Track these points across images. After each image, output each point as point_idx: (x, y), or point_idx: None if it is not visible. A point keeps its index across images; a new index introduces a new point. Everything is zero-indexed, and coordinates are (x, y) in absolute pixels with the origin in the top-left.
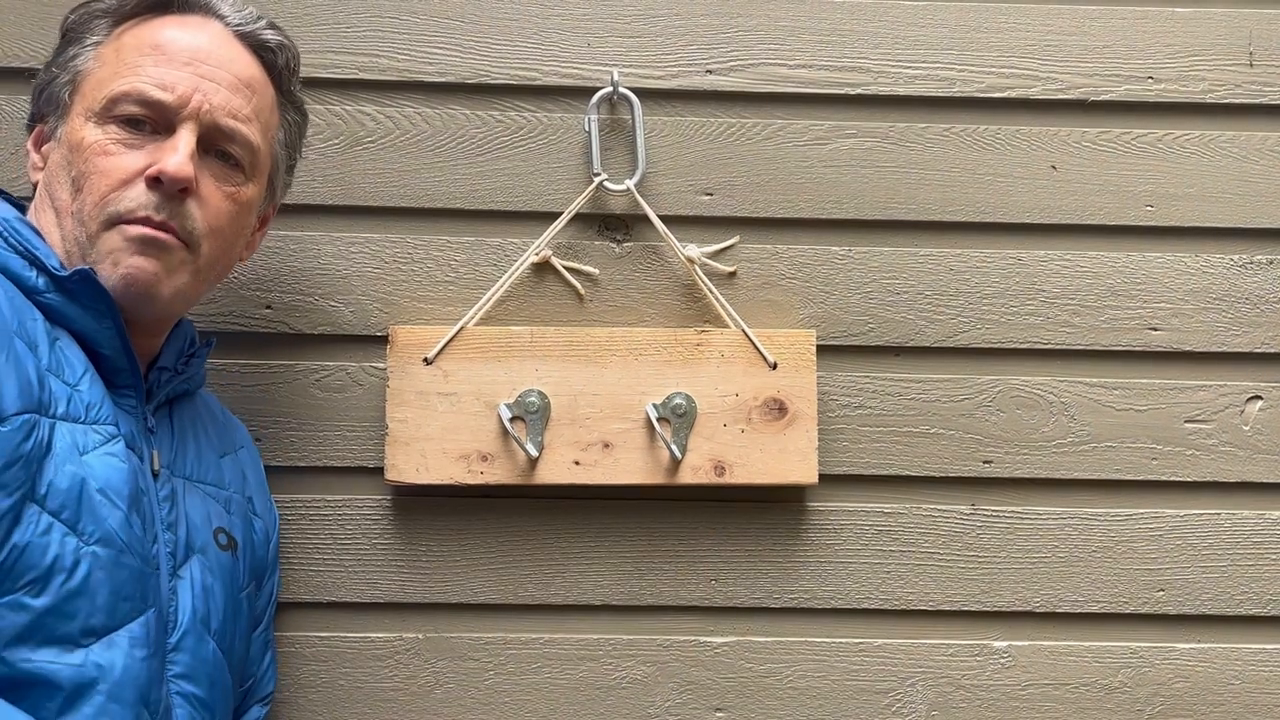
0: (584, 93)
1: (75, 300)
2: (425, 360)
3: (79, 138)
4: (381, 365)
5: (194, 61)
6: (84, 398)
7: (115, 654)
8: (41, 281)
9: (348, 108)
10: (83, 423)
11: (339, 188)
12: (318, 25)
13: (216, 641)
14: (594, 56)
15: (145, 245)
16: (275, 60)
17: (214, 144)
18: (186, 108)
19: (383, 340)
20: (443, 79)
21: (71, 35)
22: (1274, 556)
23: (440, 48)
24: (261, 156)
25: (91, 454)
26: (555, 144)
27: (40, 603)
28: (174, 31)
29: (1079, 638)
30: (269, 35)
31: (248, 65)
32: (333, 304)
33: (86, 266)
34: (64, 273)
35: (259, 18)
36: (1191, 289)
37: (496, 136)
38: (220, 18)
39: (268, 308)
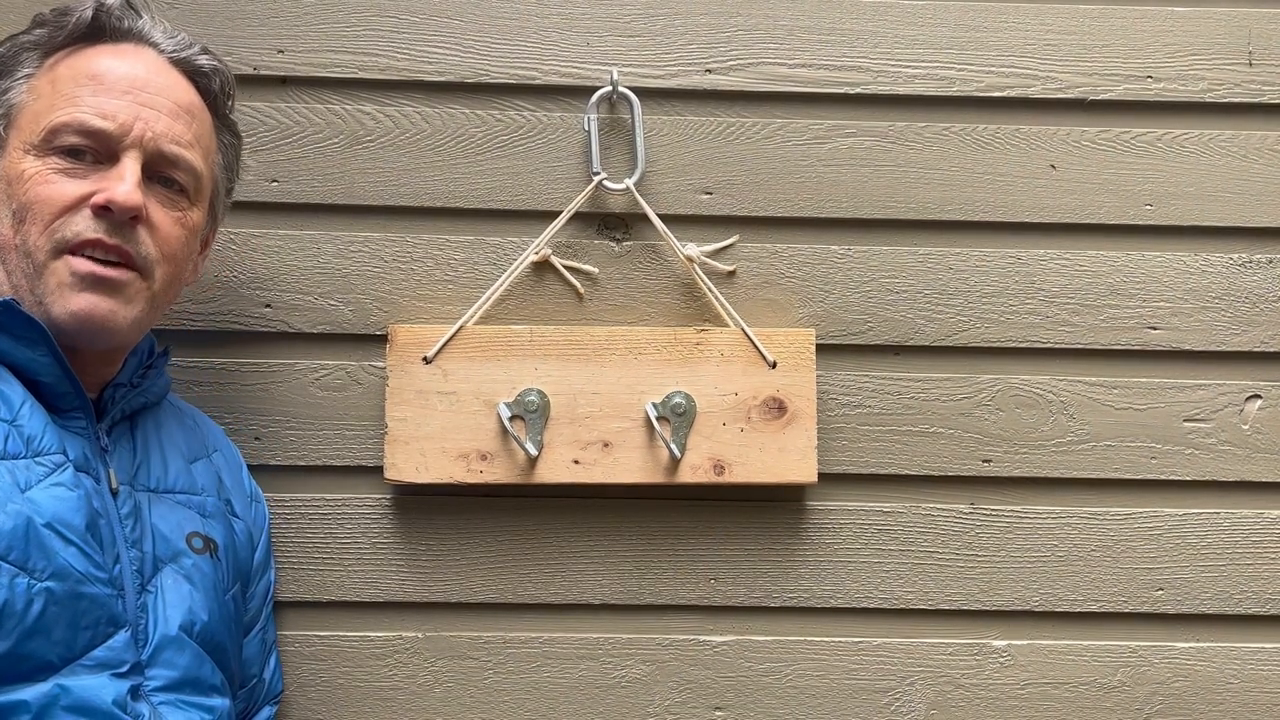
0: (583, 92)
1: (4, 332)
2: (425, 359)
3: (18, 170)
4: (381, 364)
5: (133, 90)
6: (24, 431)
7: (78, 678)
8: None
9: (347, 107)
10: (24, 457)
11: (338, 187)
12: (318, 25)
13: (201, 644)
14: (593, 56)
15: (96, 283)
16: (210, 85)
17: (158, 171)
18: (129, 136)
19: (382, 339)
20: (442, 78)
21: (1, 69)
22: (1273, 555)
23: (440, 47)
24: (204, 181)
25: (36, 488)
26: (555, 143)
27: None
28: (110, 60)
29: (1078, 637)
30: (203, 60)
31: (185, 91)
32: (332, 303)
33: (10, 298)
34: None
35: (191, 43)
36: (1191, 288)
37: (496, 136)
38: (154, 45)
39: (267, 306)
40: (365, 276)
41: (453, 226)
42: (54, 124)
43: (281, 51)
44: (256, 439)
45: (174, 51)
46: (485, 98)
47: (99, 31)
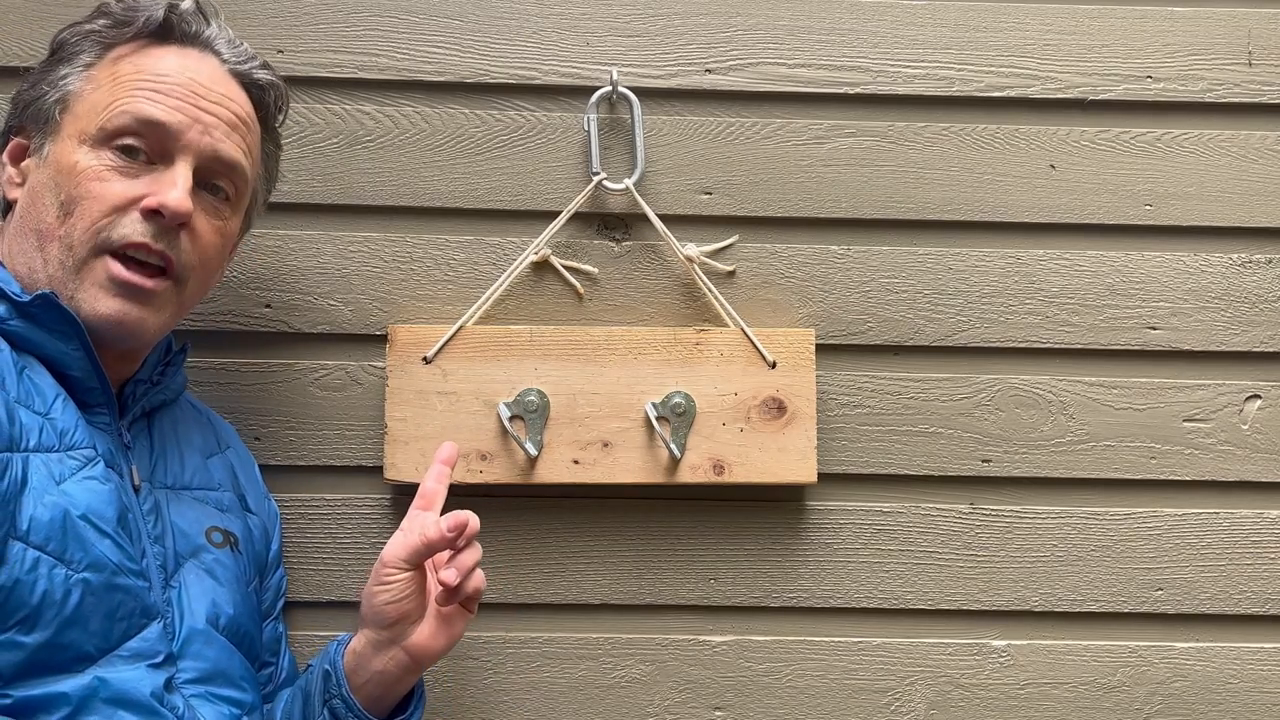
0: (583, 92)
1: (39, 325)
2: (424, 359)
3: (71, 161)
4: (381, 364)
5: (194, 95)
6: (57, 425)
7: (115, 670)
8: (2, 309)
9: (347, 107)
10: (57, 450)
11: (338, 187)
12: (318, 25)
13: (228, 636)
14: (593, 56)
15: (131, 292)
16: (265, 98)
17: (207, 177)
18: (185, 136)
19: (382, 339)
20: (442, 78)
21: (62, 54)
22: (1272, 555)
23: (440, 47)
24: (247, 191)
25: (70, 481)
26: (554, 143)
27: (33, 639)
28: (174, 61)
29: (1077, 637)
30: (261, 75)
31: (244, 102)
32: (332, 303)
33: (48, 290)
34: (25, 298)
35: (252, 56)
36: (1190, 288)
37: (496, 136)
38: (217, 54)
39: (267, 306)
40: (365, 276)
41: (453, 226)
42: (113, 115)
43: (281, 51)
44: (256, 439)
45: (235, 63)
46: (485, 98)
47: (167, 33)
